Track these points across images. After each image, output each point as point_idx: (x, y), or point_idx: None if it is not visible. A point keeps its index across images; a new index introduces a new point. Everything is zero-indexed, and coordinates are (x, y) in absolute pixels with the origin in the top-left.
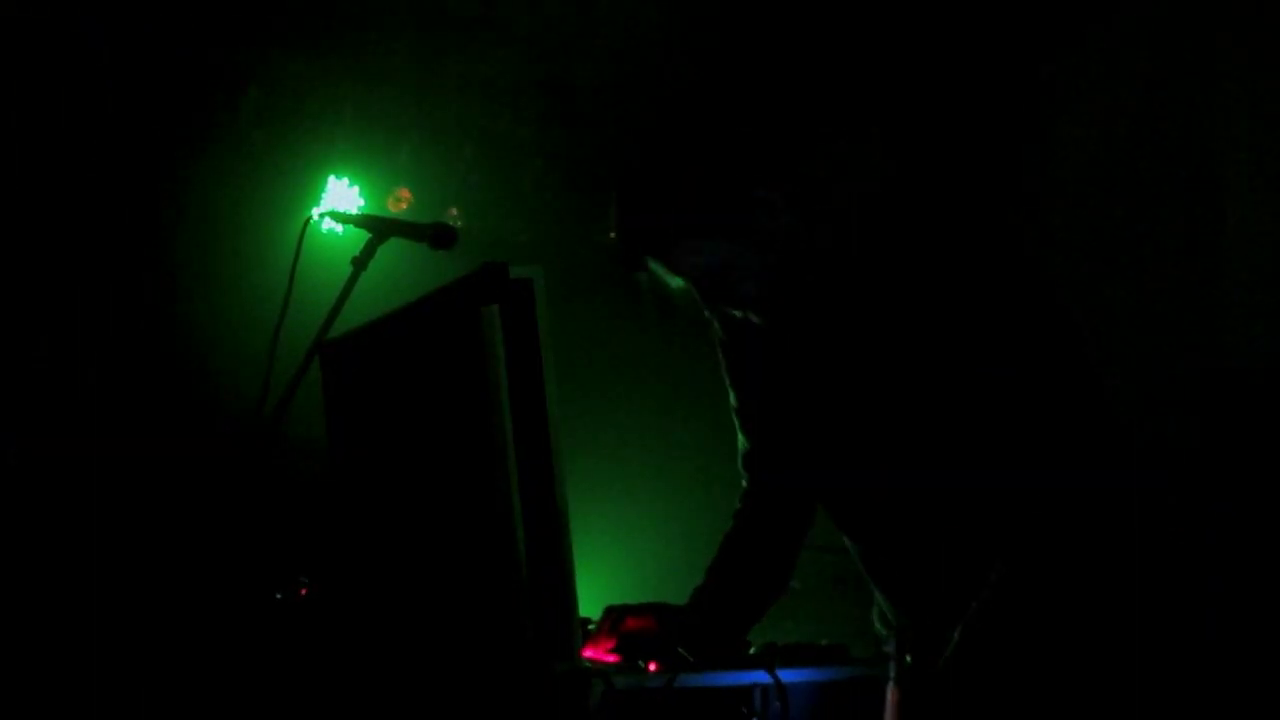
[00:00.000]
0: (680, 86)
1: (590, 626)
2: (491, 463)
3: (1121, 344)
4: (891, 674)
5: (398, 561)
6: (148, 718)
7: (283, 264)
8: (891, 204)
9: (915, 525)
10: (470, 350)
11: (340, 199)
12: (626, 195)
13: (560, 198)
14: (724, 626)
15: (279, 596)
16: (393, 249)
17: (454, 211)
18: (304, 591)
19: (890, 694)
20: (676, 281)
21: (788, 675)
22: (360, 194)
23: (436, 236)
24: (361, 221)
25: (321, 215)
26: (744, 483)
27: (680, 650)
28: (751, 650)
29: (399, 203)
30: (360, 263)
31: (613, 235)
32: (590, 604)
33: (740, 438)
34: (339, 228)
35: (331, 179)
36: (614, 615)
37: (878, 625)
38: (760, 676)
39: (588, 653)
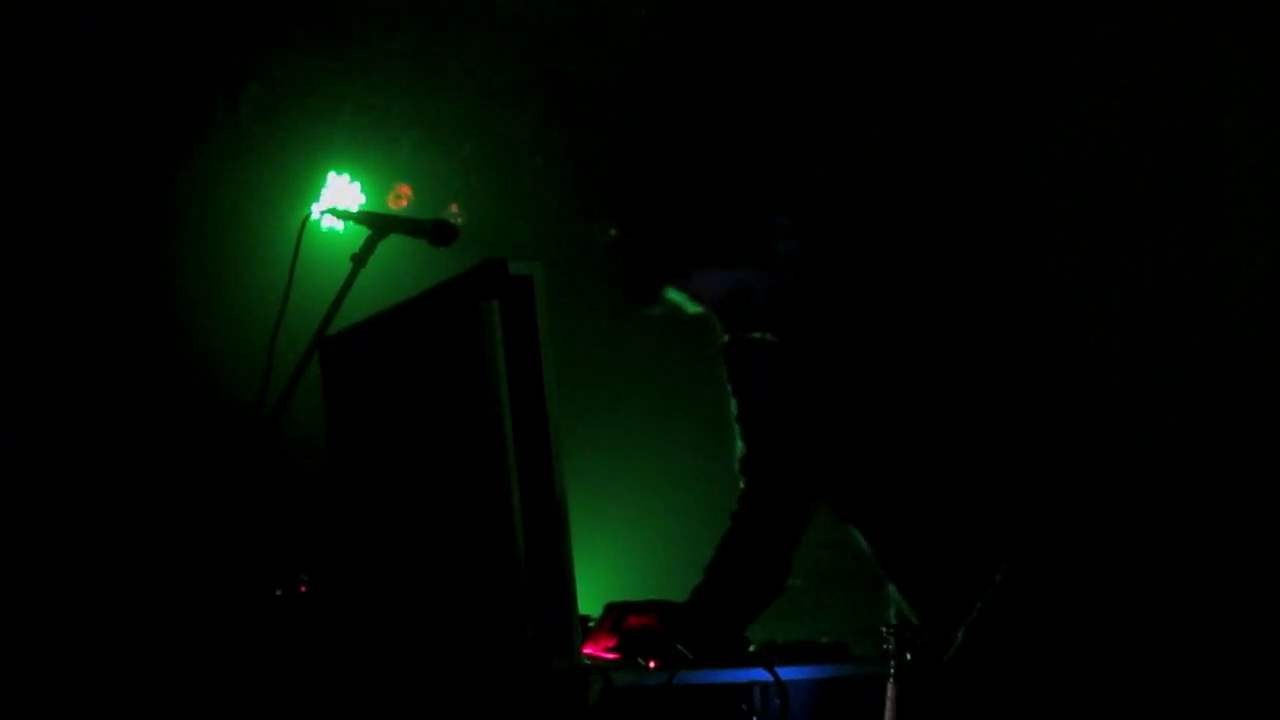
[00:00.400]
0: (681, 85)
1: (590, 624)
2: (491, 459)
3: (1121, 344)
4: (891, 671)
5: (397, 558)
6: (149, 715)
7: (283, 261)
8: (893, 207)
9: (926, 525)
10: (470, 346)
11: (340, 195)
12: (639, 228)
13: (560, 195)
14: (723, 624)
15: (279, 593)
16: (393, 246)
17: (454, 208)
18: (303, 588)
19: (890, 692)
20: (693, 308)
21: (787, 673)
22: (360, 190)
23: (437, 233)
24: (361, 218)
25: (322, 212)
26: (741, 484)
27: (680, 648)
28: (751, 648)
29: (399, 199)
30: (360, 259)
31: (627, 265)
32: (590, 601)
33: (739, 444)
34: (339, 224)
35: (332, 175)
36: (614, 612)
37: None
38: (760, 674)
39: (588, 650)
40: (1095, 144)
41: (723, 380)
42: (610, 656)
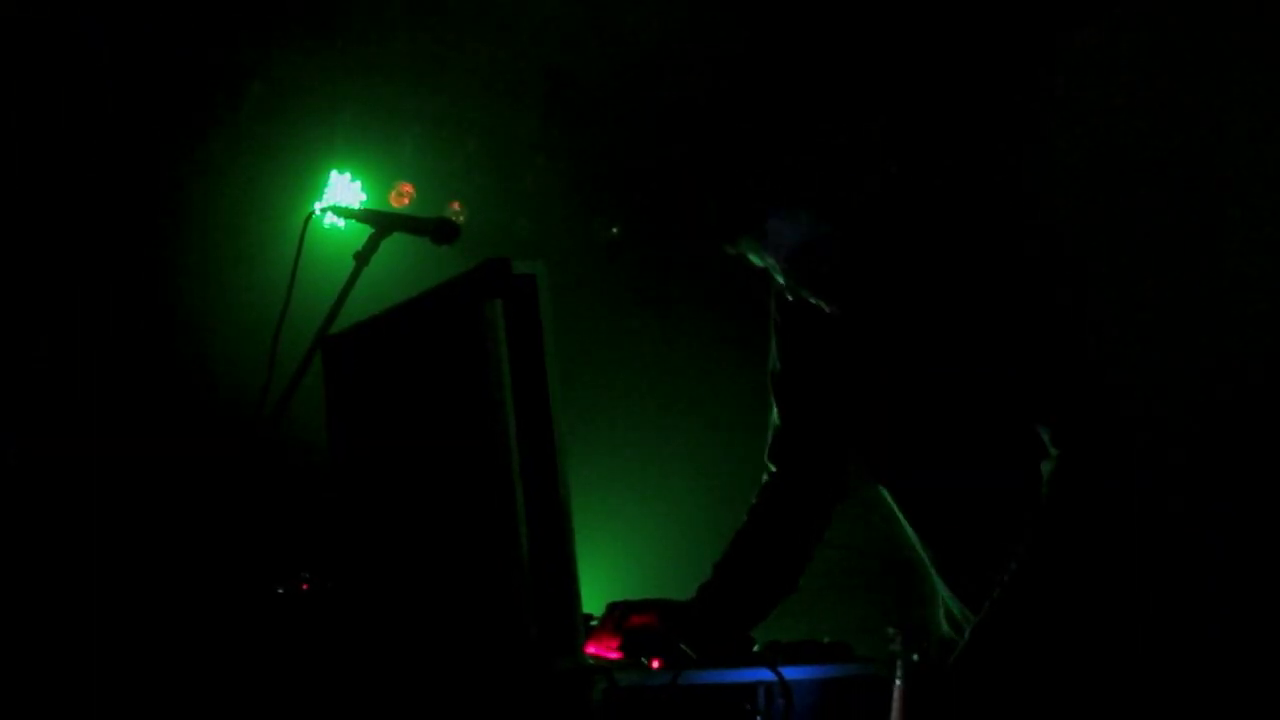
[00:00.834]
0: (683, 82)
1: (593, 623)
2: (494, 459)
3: (1122, 343)
4: (899, 672)
5: (400, 558)
6: (150, 715)
7: (285, 259)
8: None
9: (959, 513)
10: (473, 346)
11: (342, 194)
12: (720, 168)
13: (563, 193)
14: (728, 624)
15: (281, 592)
16: (395, 244)
17: (456, 206)
18: (305, 587)
19: (897, 692)
20: (760, 261)
21: (791, 672)
22: (362, 189)
23: (439, 231)
24: (363, 216)
25: (324, 210)
26: (765, 476)
27: (684, 647)
28: (755, 648)
29: (401, 198)
30: (362, 258)
31: (705, 209)
32: (593, 600)
33: (774, 414)
34: (341, 222)
35: (334, 174)
36: (617, 612)
37: (944, 626)
38: (764, 674)
39: (591, 649)
40: (1095, 143)
41: (768, 345)
42: (614, 656)
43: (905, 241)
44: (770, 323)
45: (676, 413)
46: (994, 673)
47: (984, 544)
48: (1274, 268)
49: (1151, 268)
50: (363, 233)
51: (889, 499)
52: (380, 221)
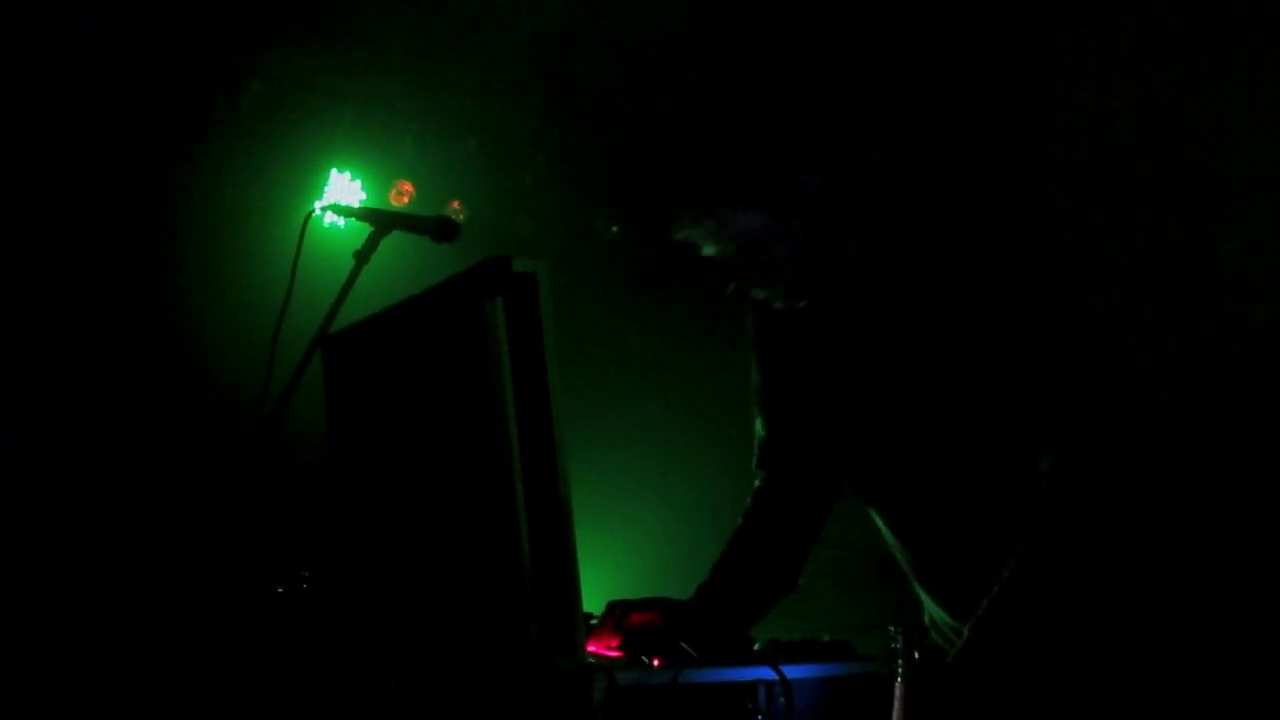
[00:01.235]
0: (683, 80)
1: (593, 622)
2: (495, 457)
3: (1122, 344)
4: (899, 670)
5: (400, 556)
6: (150, 714)
7: (284, 258)
8: (903, 200)
9: (939, 521)
10: (473, 344)
11: (342, 193)
12: (685, 154)
13: (563, 191)
14: (728, 622)
15: (281, 591)
16: (395, 244)
17: (456, 205)
18: (305, 585)
19: (898, 690)
20: (709, 250)
21: (792, 671)
22: (363, 187)
23: (439, 230)
24: (363, 215)
25: (323, 209)
26: (756, 481)
27: (684, 646)
28: (756, 646)
29: (401, 196)
30: (362, 256)
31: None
32: (593, 599)
33: (758, 425)
34: (341, 221)
35: (333, 172)
36: (618, 611)
37: (931, 634)
38: (765, 672)
39: (591, 648)
40: (1094, 142)
41: (748, 356)
42: (614, 655)
43: (881, 242)
44: (749, 323)
45: (677, 411)
46: (995, 670)
47: (968, 552)
48: (1273, 268)
49: (1151, 268)
50: (362, 231)
51: (872, 511)
52: (380, 219)
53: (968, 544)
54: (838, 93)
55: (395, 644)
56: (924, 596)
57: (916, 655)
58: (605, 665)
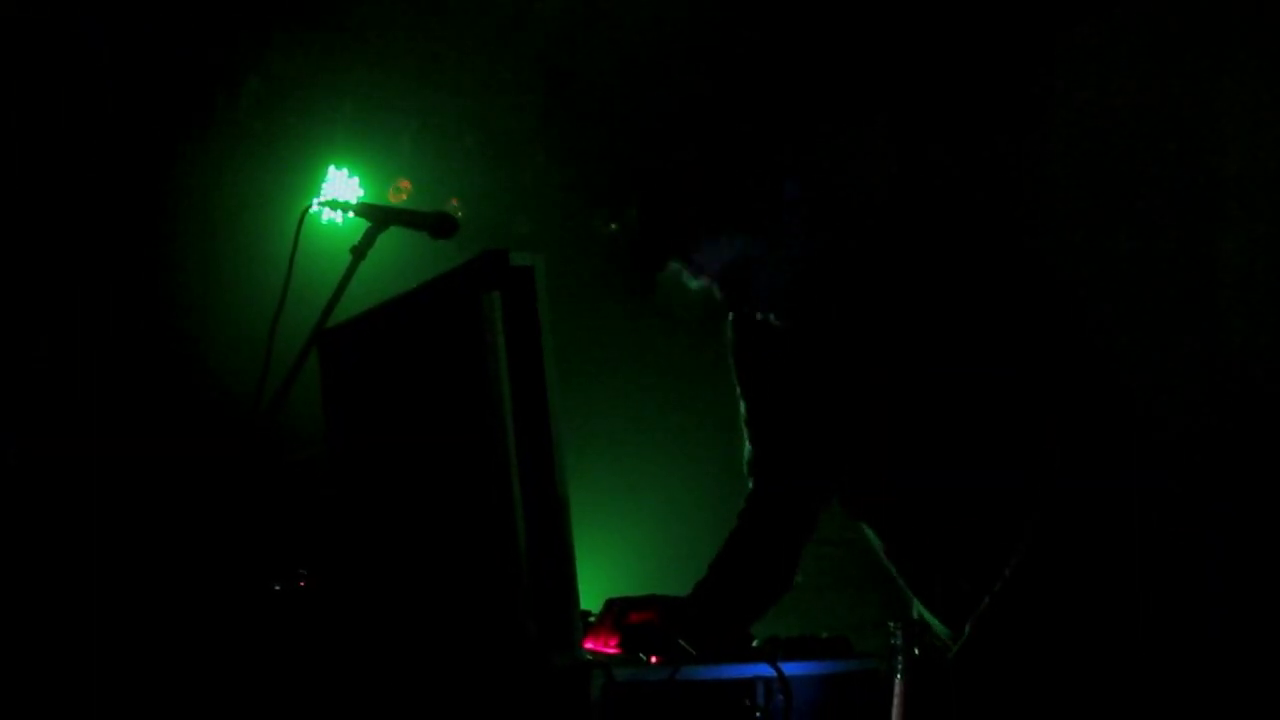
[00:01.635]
0: (683, 78)
1: (590, 619)
2: (492, 452)
3: (1121, 344)
4: (899, 667)
5: (397, 553)
6: (148, 712)
7: (283, 255)
8: (901, 201)
9: (937, 523)
10: (471, 338)
11: (340, 189)
12: (648, 196)
13: (561, 189)
14: (726, 620)
15: (277, 588)
16: (395, 241)
17: (455, 202)
18: (302, 583)
19: (898, 687)
20: (695, 283)
21: (790, 668)
22: (360, 185)
23: (438, 225)
24: (361, 210)
25: (321, 205)
26: (749, 484)
27: (682, 643)
28: (754, 643)
29: (399, 194)
30: (359, 252)
31: (634, 235)
32: (591, 597)
33: (747, 446)
34: (339, 217)
35: (331, 169)
36: (615, 608)
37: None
38: (763, 669)
39: (588, 645)
40: (1094, 142)
41: (730, 381)
42: (612, 652)
43: (880, 242)
44: (729, 354)
45: (675, 408)
46: (995, 667)
47: (967, 553)
48: (1273, 267)
49: (1151, 267)
50: (361, 228)
51: (865, 526)
52: (377, 215)
53: (967, 545)
54: (837, 92)
55: (392, 641)
56: (918, 606)
57: (916, 652)
58: (603, 662)
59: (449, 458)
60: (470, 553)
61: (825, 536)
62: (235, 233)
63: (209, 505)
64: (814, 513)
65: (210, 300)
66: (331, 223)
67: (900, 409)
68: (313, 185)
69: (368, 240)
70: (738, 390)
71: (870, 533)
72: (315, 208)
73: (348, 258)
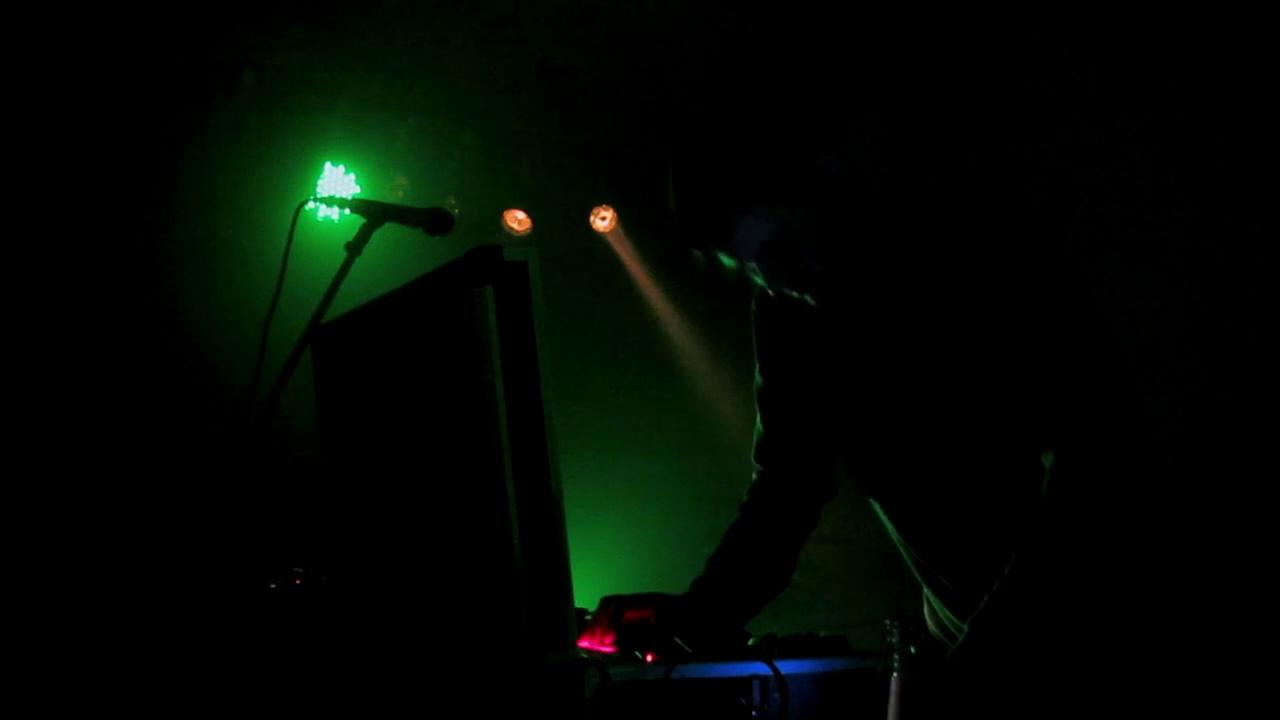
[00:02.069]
0: (682, 77)
1: (586, 617)
2: (486, 448)
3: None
4: (896, 665)
5: (392, 550)
6: (146, 709)
7: (278, 251)
8: (920, 180)
9: (948, 503)
10: (464, 332)
11: (336, 186)
12: (688, 176)
13: (557, 186)
14: (722, 618)
15: (273, 586)
16: (390, 238)
17: (452, 200)
18: (298, 580)
19: (894, 685)
20: (731, 262)
21: (787, 666)
22: (356, 181)
23: (433, 222)
24: (356, 206)
25: (317, 201)
26: (754, 475)
27: (678, 641)
28: (750, 641)
29: (397, 192)
30: (354, 248)
31: (673, 217)
32: (585, 595)
33: (758, 423)
34: (334, 213)
35: (327, 166)
36: (611, 606)
37: (930, 626)
38: (759, 668)
39: (584, 643)
40: (1093, 143)
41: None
42: (607, 650)
43: (896, 236)
44: (752, 327)
45: (671, 405)
46: (993, 666)
47: (970, 549)
48: (1273, 267)
49: (1151, 267)
50: (357, 225)
51: (874, 504)
52: (372, 211)
53: (970, 538)
54: (835, 92)
55: (387, 638)
56: (927, 593)
57: (913, 650)
58: (597, 660)
59: (443, 453)
60: (464, 549)
61: (824, 534)
62: (230, 228)
63: (204, 500)
64: (816, 505)
65: (205, 296)
66: (327, 219)
67: (911, 397)
68: (309, 181)
69: (362, 236)
70: (757, 366)
71: (882, 515)
72: (311, 204)
73: (343, 254)
